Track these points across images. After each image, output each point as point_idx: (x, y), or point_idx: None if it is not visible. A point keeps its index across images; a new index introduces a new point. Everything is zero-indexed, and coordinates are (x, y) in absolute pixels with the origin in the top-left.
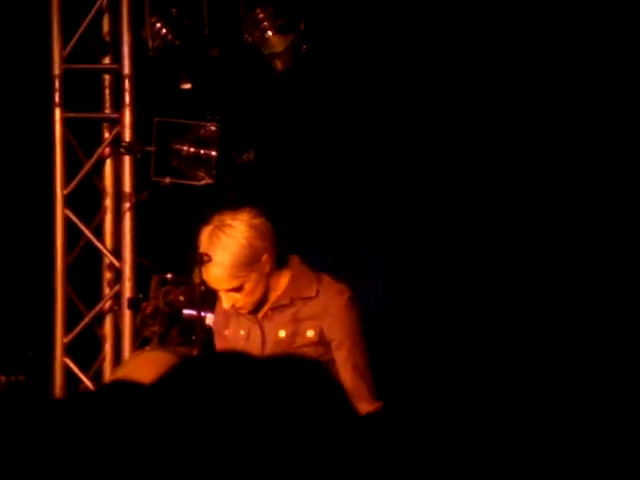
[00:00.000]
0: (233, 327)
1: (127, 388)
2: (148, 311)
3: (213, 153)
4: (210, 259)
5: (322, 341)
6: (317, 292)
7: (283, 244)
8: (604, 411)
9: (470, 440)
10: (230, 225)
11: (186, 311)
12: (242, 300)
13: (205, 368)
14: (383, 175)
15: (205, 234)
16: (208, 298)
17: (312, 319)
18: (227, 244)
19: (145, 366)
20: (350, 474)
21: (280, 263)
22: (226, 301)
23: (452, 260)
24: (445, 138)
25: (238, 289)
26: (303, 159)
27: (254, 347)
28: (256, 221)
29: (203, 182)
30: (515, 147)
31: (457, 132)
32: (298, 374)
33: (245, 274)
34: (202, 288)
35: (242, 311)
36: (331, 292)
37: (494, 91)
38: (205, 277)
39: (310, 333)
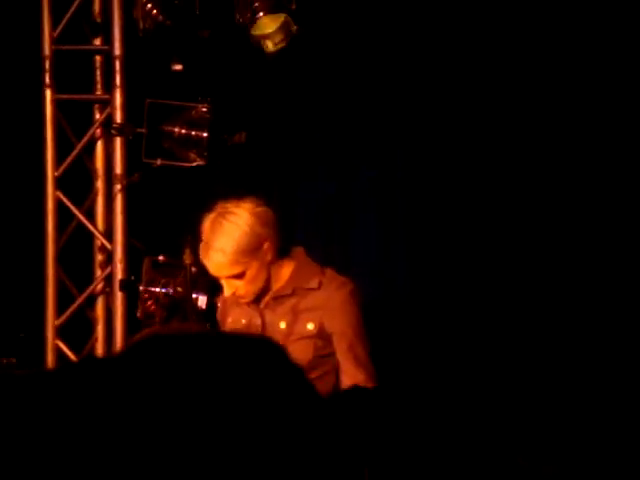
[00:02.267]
0: (234, 316)
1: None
2: (149, 304)
3: (204, 134)
4: (201, 239)
5: (321, 334)
6: (320, 284)
7: (287, 236)
8: (599, 407)
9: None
10: (233, 212)
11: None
12: (243, 288)
13: (170, 343)
14: (374, 155)
15: (208, 221)
16: (200, 280)
17: (313, 311)
18: (229, 231)
19: None
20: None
21: (283, 253)
22: (227, 288)
23: (443, 246)
24: (435, 115)
25: (239, 276)
26: (294, 140)
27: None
28: (259, 209)
29: (194, 163)
30: (503, 130)
31: (449, 109)
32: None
33: (247, 261)
34: (193, 270)
35: (243, 300)
36: (333, 285)
37: (487, 80)
38: (206, 264)
39: (310, 325)
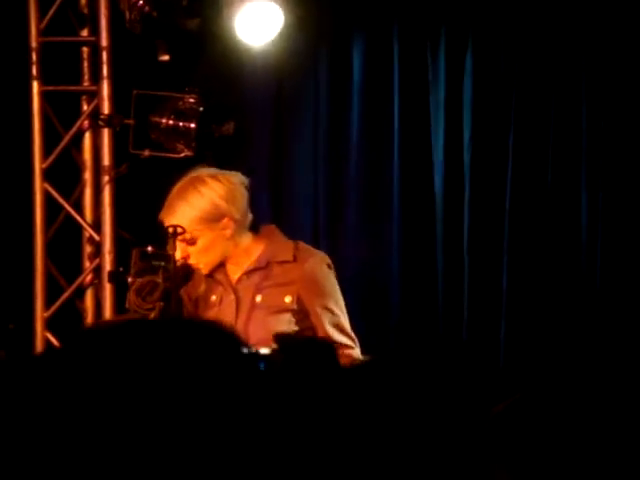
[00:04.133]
0: (204, 292)
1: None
2: (147, 288)
3: (192, 125)
4: (184, 230)
5: (300, 308)
6: (294, 257)
7: (261, 214)
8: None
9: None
10: (204, 181)
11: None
12: (195, 257)
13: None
14: (363, 145)
15: (179, 183)
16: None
17: (289, 284)
18: (192, 198)
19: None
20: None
21: (255, 231)
22: (178, 251)
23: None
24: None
25: (190, 242)
26: (282, 131)
27: (228, 313)
28: (233, 186)
29: (182, 154)
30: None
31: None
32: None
33: (200, 229)
34: (178, 260)
35: (201, 271)
36: (308, 258)
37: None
38: (162, 219)
39: (288, 299)
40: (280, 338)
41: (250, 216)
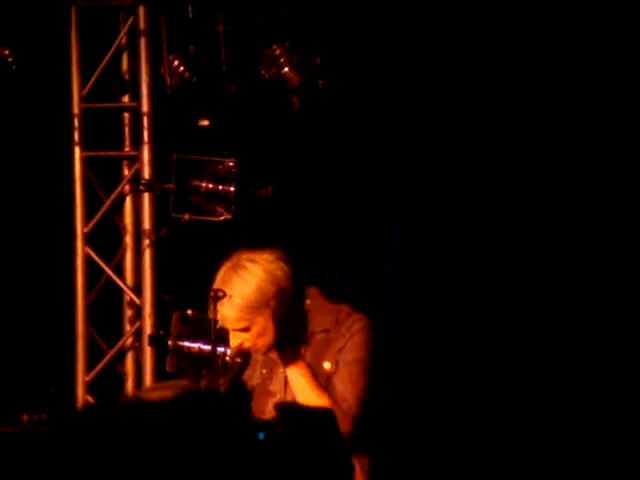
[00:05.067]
0: (253, 365)
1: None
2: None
3: (231, 189)
4: (224, 295)
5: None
6: (336, 323)
7: (303, 278)
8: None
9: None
10: (244, 267)
11: (203, 346)
12: (250, 341)
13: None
14: (400, 206)
15: (221, 271)
16: (225, 334)
17: (330, 351)
18: (238, 286)
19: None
20: None
21: (299, 297)
22: (233, 339)
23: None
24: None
25: (245, 330)
26: (320, 194)
27: (277, 385)
28: (273, 265)
29: (222, 218)
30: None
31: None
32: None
33: (251, 317)
34: (218, 324)
35: (256, 353)
36: (349, 322)
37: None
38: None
39: (327, 365)
40: (281, 407)
41: (294, 287)
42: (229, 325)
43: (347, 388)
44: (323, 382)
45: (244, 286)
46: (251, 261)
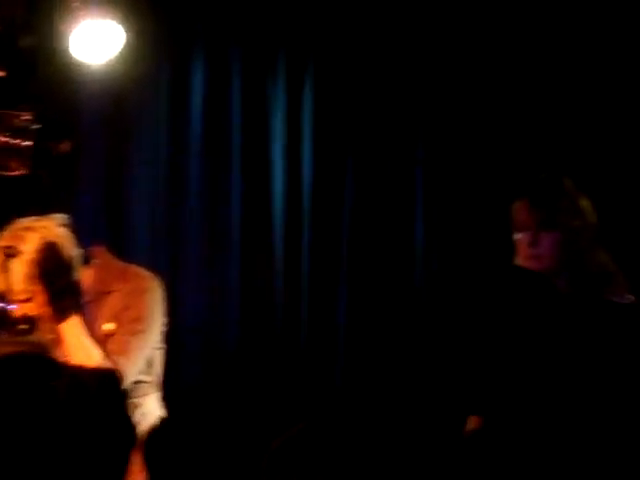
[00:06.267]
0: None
1: None
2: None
3: (28, 143)
4: (17, 252)
5: None
6: (123, 282)
7: (99, 237)
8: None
9: None
10: (22, 237)
11: None
12: (34, 310)
13: None
14: (203, 176)
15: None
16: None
17: (114, 309)
18: (16, 259)
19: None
20: None
21: (85, 258)
22: (17, 310)
23: None
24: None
25: (27, 301)
26: (120, 153)
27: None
28: (52, 232)
29: (17, 172)
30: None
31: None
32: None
33: (32, 288)
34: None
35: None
36: (136, 282)
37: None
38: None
39: (109, 325)
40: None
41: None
42: (13, 297)
43: (125, 347)
44: (104, 340)
45: (22, 258)
46: (29, 229)
